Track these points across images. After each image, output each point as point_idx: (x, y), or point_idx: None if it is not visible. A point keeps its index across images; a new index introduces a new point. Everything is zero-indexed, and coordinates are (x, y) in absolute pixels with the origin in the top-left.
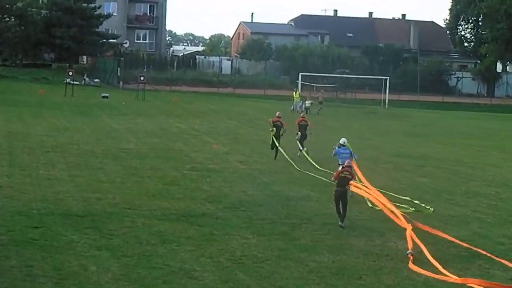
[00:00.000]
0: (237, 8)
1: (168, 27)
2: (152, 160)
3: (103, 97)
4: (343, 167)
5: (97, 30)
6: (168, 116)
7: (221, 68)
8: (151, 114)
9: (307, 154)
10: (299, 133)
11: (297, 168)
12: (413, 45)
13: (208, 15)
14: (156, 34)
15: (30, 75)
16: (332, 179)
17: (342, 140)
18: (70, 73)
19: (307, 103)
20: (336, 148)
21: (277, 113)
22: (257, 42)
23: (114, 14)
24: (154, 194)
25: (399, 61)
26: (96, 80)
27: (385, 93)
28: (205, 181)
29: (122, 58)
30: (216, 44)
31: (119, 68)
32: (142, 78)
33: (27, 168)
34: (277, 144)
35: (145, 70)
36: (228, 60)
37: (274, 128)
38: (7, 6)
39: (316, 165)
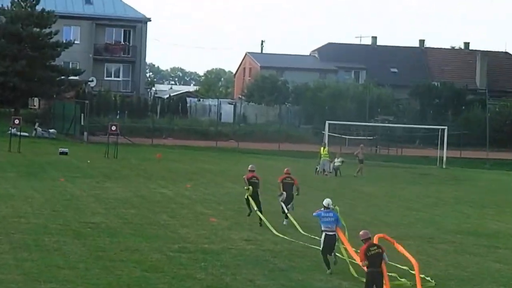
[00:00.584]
0: (242, 34)
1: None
2: (126, 238)
3: (61, 153)
4: (368, 243)
5: (53, 63)
6: (148, 179)
7: (221, 114)
8: (126, 176)
9: (291, 218)
10: (284, 192)
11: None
12: (480, 84)
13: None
14: (132, 69)
15: None
16: (360, 263)
17: (326, 202)
18: (16, 121)
19: (337, 161)
20: (320, 210)
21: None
22: (269, 79)
23: (76, 42)
24: (129, 284)
25: (461, 105)
26: (52, 130)
27: (442, 149)
28: (199, 266)
29: (86, 101)
30: (213, 83)
31: (82, 115)
32: (113, 128)
33: None
34: (257, 210)
35: (118, 117)
36: (230, 103)
37: (251, 187)
38: None
39: (300, 230)
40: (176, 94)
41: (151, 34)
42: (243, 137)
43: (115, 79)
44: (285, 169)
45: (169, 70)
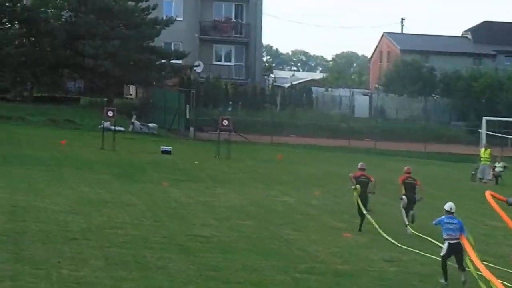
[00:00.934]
0: (379, 11)
1: (265, 41)
2: (243, 255)
3: (163, 152)
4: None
5: (151, 44)
6: (267, 185)
7: (353, 107)
8: (240, 180)
9: (410, 229)
10: (404, 197)
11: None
12: None
13: (330, 22)
14: (246, 51)
15: (45, 115)
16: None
17: (448, 206)
18: (110, 114)
19: (498, 166)
20: (441, 217)
21: (406, 167)
22: (411, 65)
23: (178, 18)
24: None
25: None
26: (152, 125)
27: None
28: None
29: (192, 90)
30: (344, 69)
31: (188, 107)
32: (225, 123)
33: (42, 266)
34: (364, 211)
35: (230, 109)
36: (365, 94)
37: (358, 186)
38: (7, 4)
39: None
40: (299, 83)
41: (267, 10)
42: (381, 136)
43: (226, 63)
44: (406, 168)
45: (290, 53)
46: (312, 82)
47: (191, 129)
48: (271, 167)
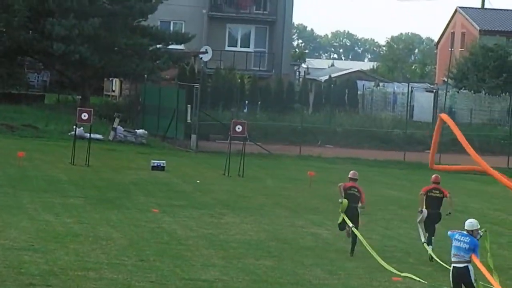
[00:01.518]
0: None
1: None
2: None
3: (155, 168)
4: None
5: (143, 23)
6: (294, 212)
7: (412, 108)
8: (258, 206)
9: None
10: (424, 210)
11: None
12: None
13: None
14: (270, 34)
15: None
16: None
17: (469, 223)
18: (84, 116)
19: None
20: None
21: (351, 172)
22: (494, 52)
23: None
24: None
25: None
26: (140, 131)
27: None
28: None
29: (196, 85)
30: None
31: (189, 107)
32: (239, 129)
33: None
34: (350, 224)
35: (245, 110)
36: (429, 91)
37: (345, 200)
38: None
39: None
40: (341, 75)
41: None
42: (449, 146)
43: (243, 49)
44: (434, 176)
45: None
46: (358, 74)
47: (193, 137)
48: (299, 189)
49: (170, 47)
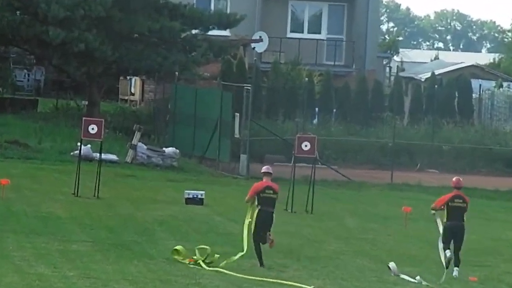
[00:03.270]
0: None
1: None
2: None
3: (190, 199)
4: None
5: (173, 1)
6: (380, 263)
7: None
8: (331, 255)
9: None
10: (446, 221)
11: None
12: None
13: None
14: (350, 15)
15: None
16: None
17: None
18: (93, 130)
19: None
20: None
21: (264, 167)
22: None
23: None
24: None
25: None
26: (170, 150)
27: None
28: None
29: (248, 87)
30: None
31: (238, 117)
32: (306, 147)
33: None
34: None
35: (316, 121)
36: None
37: (260, 207)
38: None
39: None
40: (449, 71)
41: None
42: None
43: (312, 36)
44: (454, 179)
45: (431, 17)
46: (473, 70)
47: (243, 158)
48: (390, 230)
49: (210, 33)
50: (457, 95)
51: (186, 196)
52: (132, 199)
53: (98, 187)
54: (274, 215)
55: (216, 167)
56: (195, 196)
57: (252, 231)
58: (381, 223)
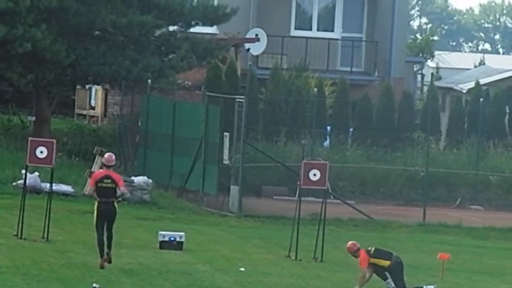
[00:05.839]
0: None
1: None
2: None
3: (165, 243)
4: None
5: None
6: None
7: None
8: None
9: None
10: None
11: None
12: None
13: None
14: (371, 8)
15: None
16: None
17: None
18: (41, 153)
19: None
20: None
21: (106, 154)
22: None
23: None
24: None
25: None
26: (140, 179)
27: None
28: None
29: (240, 99)
30: None
31: (227, 138)
32: (315, 177)
33: None
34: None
35: (327, 143)
36: None
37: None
38: None
39: None
40: (498, 80)
41: None
42: None
43: (322, 35)
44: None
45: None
46: None
47: (234, 190)
48: (422, 282)
49: (192, 30)
50: (507, 110)
51: (161, 238)
52: (91, 243)
53: (48, 227)
54: (115, 205)
55: (199, 202)
56: (172, 239)
57: (95, 223)
58: (410, 274)
